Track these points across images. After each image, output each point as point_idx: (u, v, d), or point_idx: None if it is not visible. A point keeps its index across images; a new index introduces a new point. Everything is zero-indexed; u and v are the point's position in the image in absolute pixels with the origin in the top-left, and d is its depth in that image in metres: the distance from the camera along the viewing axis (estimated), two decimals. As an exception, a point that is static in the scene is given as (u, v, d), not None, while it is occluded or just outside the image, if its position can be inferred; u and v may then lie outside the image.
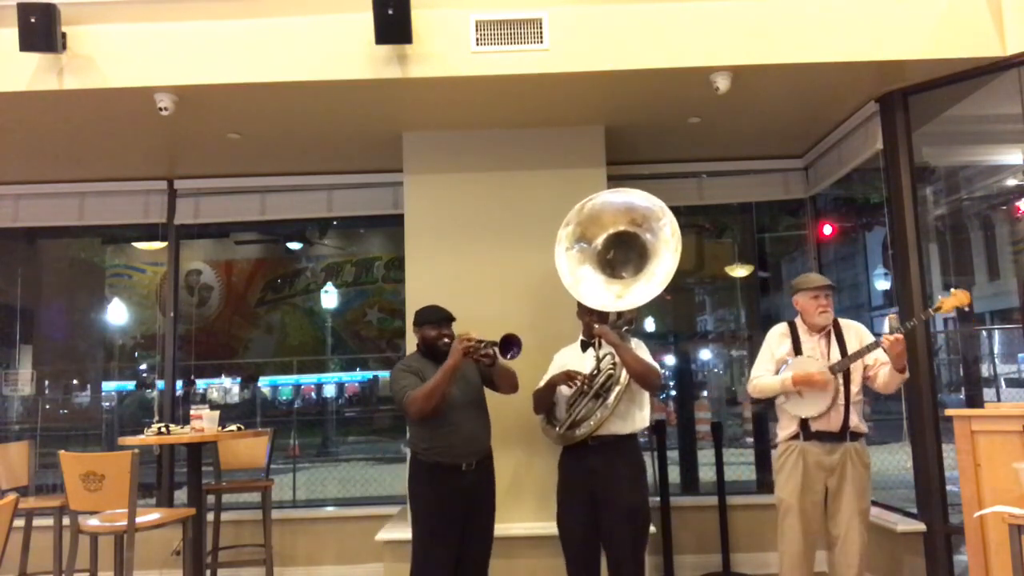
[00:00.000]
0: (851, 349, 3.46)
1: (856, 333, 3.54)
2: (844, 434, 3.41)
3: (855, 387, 3.44)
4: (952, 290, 3.31)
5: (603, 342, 3.46)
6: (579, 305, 3.65)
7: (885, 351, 3.30)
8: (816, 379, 3.38)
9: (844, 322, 3.59)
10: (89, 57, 3.72)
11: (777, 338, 3.63)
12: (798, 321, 3.62)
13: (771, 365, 3.58)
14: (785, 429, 3.55)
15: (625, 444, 3.44)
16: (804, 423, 3.46)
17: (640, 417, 3.49)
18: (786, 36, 3.72)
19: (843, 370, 3.40)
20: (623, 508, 3.35)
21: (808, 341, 3.55)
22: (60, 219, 5.42)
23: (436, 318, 3.50)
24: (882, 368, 3.43)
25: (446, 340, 3.40)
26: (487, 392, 3.60)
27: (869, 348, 3.37)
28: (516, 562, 4.04)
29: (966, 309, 3.35)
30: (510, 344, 3.29)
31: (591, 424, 3.39)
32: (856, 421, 3.43)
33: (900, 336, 3.23)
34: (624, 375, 3.40)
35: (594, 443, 3.41)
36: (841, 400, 3.41)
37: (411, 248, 4.47)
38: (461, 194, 4.48)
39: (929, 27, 3.71)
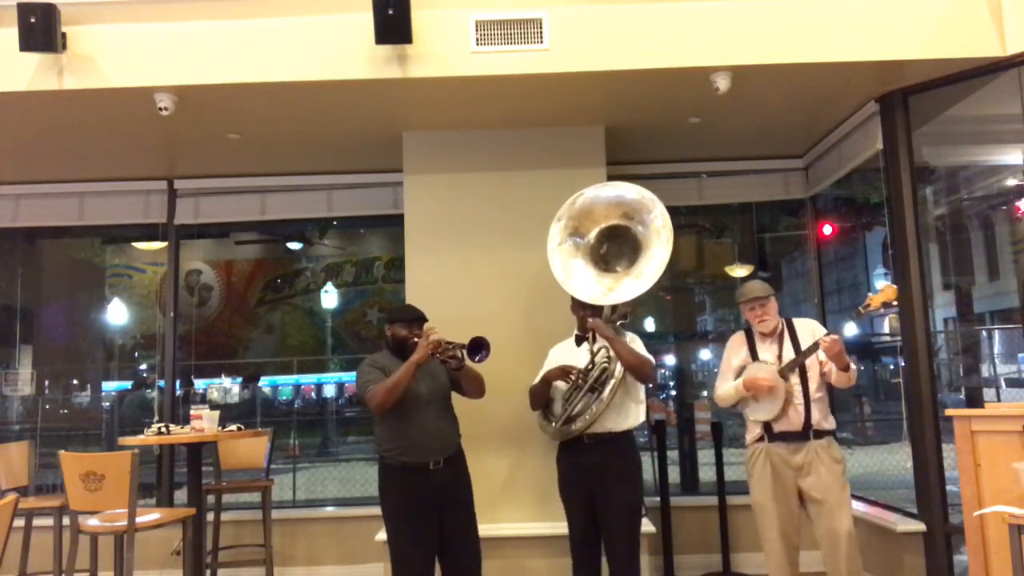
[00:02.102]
0: (805, 347, 3.50)
1: (811, 331, 3.58)
2: (807, 432, 3.43)
3: (813, 384, 3.47)
4: (880, 286, 3.34)
5: (597, 336, 3.46)
6: (573, 300, 3.65)
7: (824, 351, 3.32)
8: (760, 383, 3.45)
9: (798, 321, 3.64)
10: (89, 57, 3.72)
11: (735, 346, 3.70)
12: (754, 327, 3.67)
13: (731, 373, 3.64)
14: (751, 432, 3.60)
15: (621, 441, 3.44)
16: (767, 425, 3.50)
17: (636, 411, 3.49)
18: (786, 36, 3.72)
19: (790, 372, 3.44)
20: (620, 505, 3.36)
21: (762, 345, 3.60)
22: (60, 219, 5.41)
23: (408, 317, 3.52)
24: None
25: (415, 339, 3.39)
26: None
27: (810, 350, 3.41)
28: (512, 562, 4.04)
29: (894, 304, 3.38)
30: (479, 347, 3.28)
31: (587, 418, 3.39)
32: (819, 419, 3.45)
33: (836, 337, 3.27)
34: (619, 369, 3.41)
35: (590, 440, 3.42)
36: (799, 399, 3.44)
37: (411, 248, 4.47)
38: (461, 194, 4.48)
39: (929, 27, 3.71)
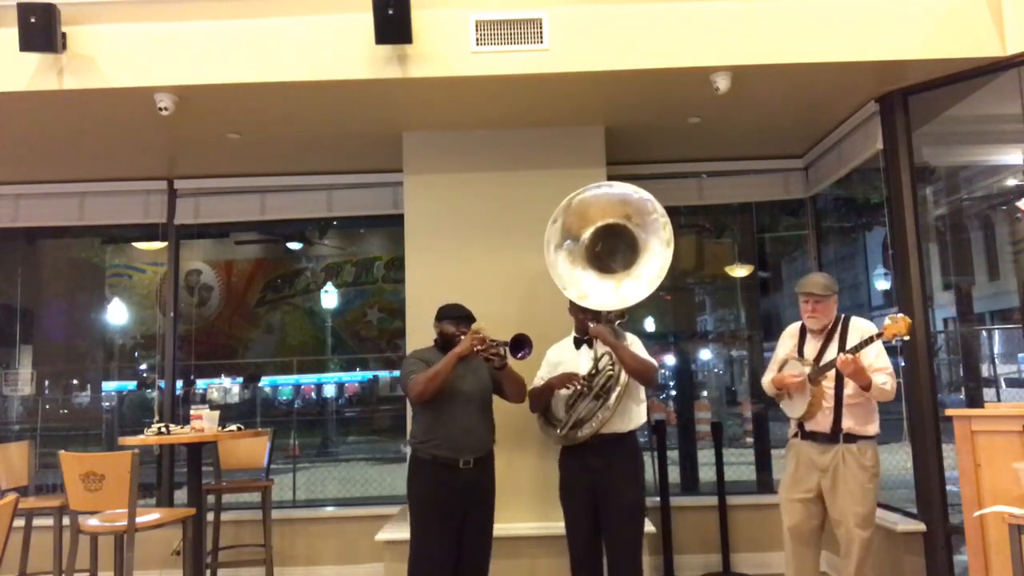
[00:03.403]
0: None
1: (860, 334, 3.44)
2: (836, 435, 3.38)
3: (849, 389, 3.38)
4: (899, 315, 3.21)
5: (599, 341, 3.46)
6: (571, 302, 3.65)
7: (840, 369, 3.26)
8: (787, 382, 3.45)
9: (855, 321, 3.51)
10: (89, 57, 3.72)
11: (786, 338, 3.68)
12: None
13: (775, 365, 3.64)
14: (790, 428, 3.61)
15: (624, 441, 3.45)
16: (800, 423, 3.49)
17: (638, 412, 3.50)
18: (786, 36, 3.72)
19: (816, 377, 3.39)
20: (623, 506, 3.37)
21: (810, 341, 3.56)
22: (60, 219, 5.42)
23: (456, 315, 3.57)
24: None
25: (462, 336, 3.43)
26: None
27: (827, 367, 3.36)
28: (513, 562, 4.03)
29: (905, 338, 3.28)
30: (521, 344, 3.33)
31: (593, 425, 3.39)
32: (852, 424, 3.37)
33: (850, 357, 3.20)
34: (623, 375, 3.40)
35: (594, 441, 3.42)
36: (829, 402, 3.39)
37: (411, 248, 4.47)
38: (461, 194, 4.48)
39: (929, 27, 3.71)
